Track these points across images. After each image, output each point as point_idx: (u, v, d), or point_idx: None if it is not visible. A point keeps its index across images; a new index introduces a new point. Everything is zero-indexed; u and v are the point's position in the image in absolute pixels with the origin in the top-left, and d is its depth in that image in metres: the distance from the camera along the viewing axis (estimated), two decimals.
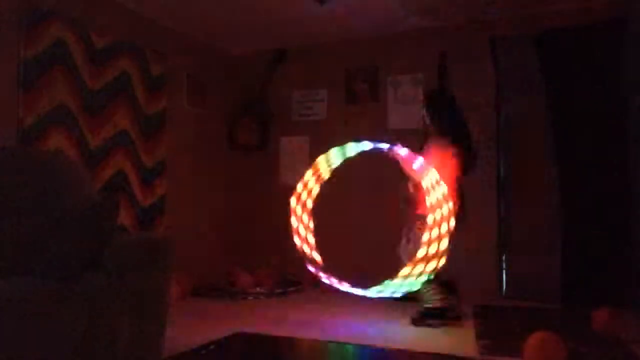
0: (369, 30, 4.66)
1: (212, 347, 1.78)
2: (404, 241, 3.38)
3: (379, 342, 2.83)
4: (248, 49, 5.18)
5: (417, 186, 3.23)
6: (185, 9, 4.18)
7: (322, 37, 4.84)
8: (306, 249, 3.24)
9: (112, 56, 3.84)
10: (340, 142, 4.76)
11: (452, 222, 2.94)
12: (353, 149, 3.21)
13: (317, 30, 4.66)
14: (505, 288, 4.26)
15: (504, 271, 4.29)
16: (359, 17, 4.35)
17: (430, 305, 3.25)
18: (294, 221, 3.25)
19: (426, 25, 4.52)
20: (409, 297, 4.15)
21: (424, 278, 2.95)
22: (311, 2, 3.88)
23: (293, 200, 3.28)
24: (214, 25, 4.56)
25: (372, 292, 3.07)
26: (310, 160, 4.91)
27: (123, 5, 4.01)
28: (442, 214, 2.91)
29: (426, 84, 4.58)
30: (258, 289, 4.45)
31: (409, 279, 2.96)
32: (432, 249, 2.87)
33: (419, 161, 3.03)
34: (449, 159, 3.27)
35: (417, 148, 4.41)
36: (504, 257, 4.30)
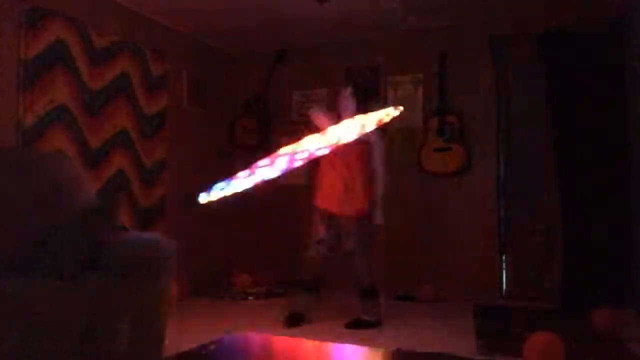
0: (369, 30, 4.65)
1: (212, 347, 1.77)
2: None
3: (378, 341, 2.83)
4: (248, 49, 5.18)
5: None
6: (185, 9, 4.18)
7: (322, 37, 4.83)
8: None
9: (112, 56, 3.84)
10: None
11: None
12: None
13: (317, 30, 4.66)
14: (505, 288, 4.27)
15: (504, 271, 4.29)
16: (358, 17, 4.35)
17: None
18: None
19: (426, 25, 4.53)
20: (409, 297, 4.17)
21: None
22: (311, 2, 3.87)
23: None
24: (214, 25, 4.56)
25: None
26: None
27: (123, 5, 4.00)
28: None
29: (426, 84, 4.59)
30: (258, 289, 4.45)
31: None
32: None
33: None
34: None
35: (418, 147, 4.46)
36: (504, 257, 4.30)
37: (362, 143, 3.28)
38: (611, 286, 3.77)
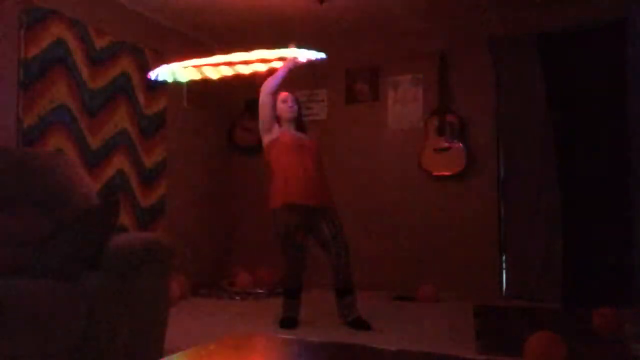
0: (369, 30, 4.65)
1: (212, 347, 1.77)
2: None
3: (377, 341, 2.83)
4: (248, 49, 5.17)
5: None
6: (185, 9, 4.18)
7: (322, 37, 4.83)
8: None
9: (112, 56, 3.84)
10: (341, 142, 4.79)
11: None
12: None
13: (317, 30, 4.66)
14: (505, 288, 4.26)
15: (504, 271, 4.29)
16: (358, 17, 4.35)
17: None
18: None
19: (426, 25, 4.52)
20: (409, 297, 4.17)
21: None
22: (311, 1, 3.88)
23: None
24: (213, 25, 4.56)
25: None
26: None
27: (123, 5, 4.01)
28: None
29: (426, 84, 4.59)
30: (258, 289, 4.45)
31: None
32: None
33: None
34: None
35: (419, 148, 4.45)
36: (504, 257, 4.30)
37: (311, 140, 3.50)
38: (611, 286, 3.77)
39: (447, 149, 4.36)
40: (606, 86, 3.95)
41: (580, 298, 3.85)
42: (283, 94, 3.56)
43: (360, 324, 3.23)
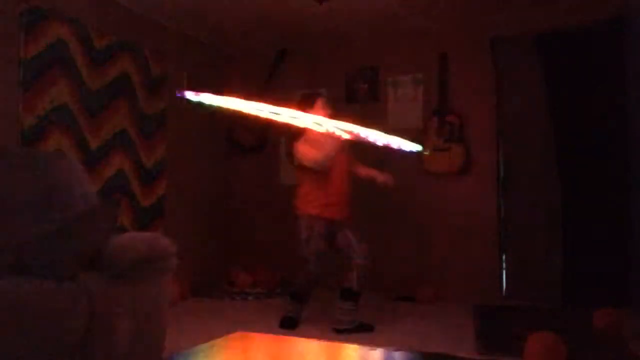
0: (369, 30, 4.65)
1: (212, 347, 1.78)
2: None
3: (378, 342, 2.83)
4: (248, 48, 5.18)
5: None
6: (185, 9, 4.18)
7: (322, 37, 4.83)
8: None
9: (112, 56, 3.84)
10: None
11: None
12: None
13: (317, 30, 4.66)
14: (505, 288, 4.26)
15: (504, 271, 4.29)
16: (358, 17, 4.35)
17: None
18: None
19: (426, 25, 4.52)
20: (409, 298, 4.17)
21: None
22: (311, 2, 3.88)
23: None
24: (213, 25, 4.56)
25: None
26: None
27: (123, 5, 4.01)
28: None
29: (426, 84, 4.59)
30: (258, 289, 4.45)
31: None
32: None
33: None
34: None
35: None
36: (504, 257, 4.30)
37: (344, 151, 3.40)
38: (612, 285, 3.77)
39: (447, 149, 4.35)
40: (606, 86, 3.95)
41: (580, 298, 3.85)
42: (320, 100, 3.47)
43: (363, 327, 3.23)
